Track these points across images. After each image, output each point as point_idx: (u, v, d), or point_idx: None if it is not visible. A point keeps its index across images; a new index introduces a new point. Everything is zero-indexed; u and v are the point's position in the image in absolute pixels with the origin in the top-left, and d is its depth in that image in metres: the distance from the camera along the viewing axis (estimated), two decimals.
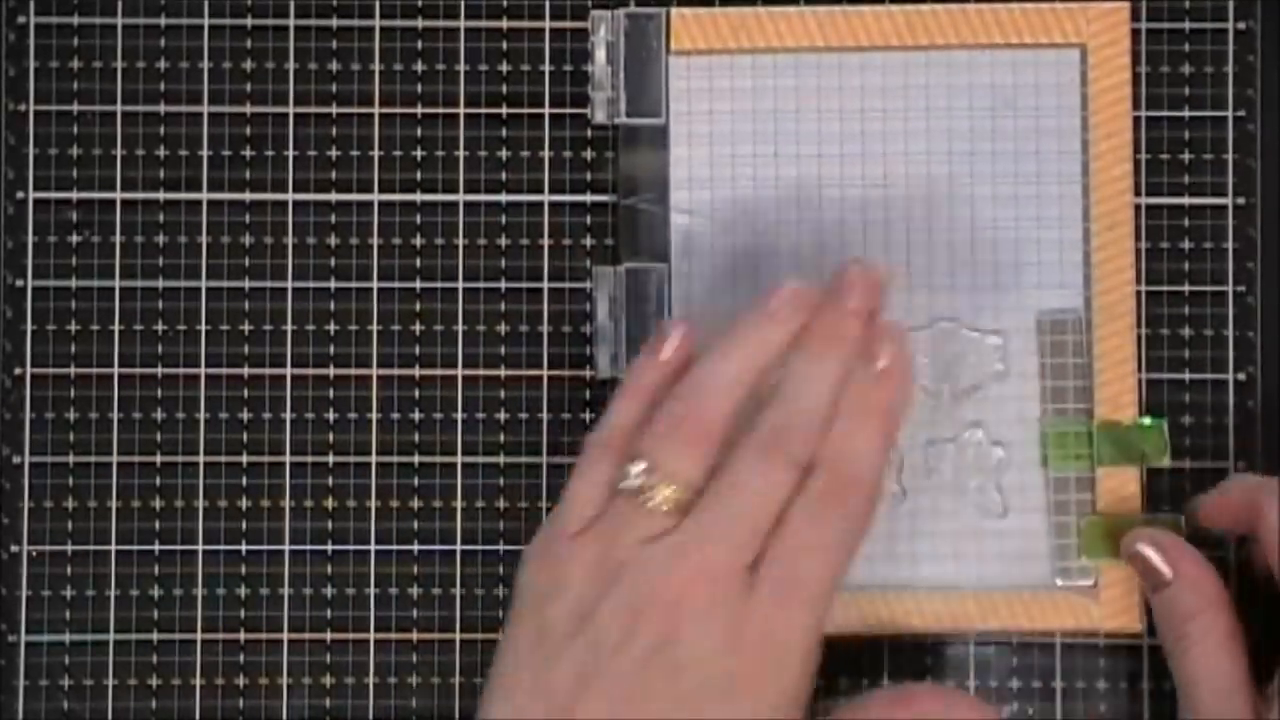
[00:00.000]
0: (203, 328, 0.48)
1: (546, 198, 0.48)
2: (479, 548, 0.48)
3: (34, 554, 0.48)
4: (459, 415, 0.48)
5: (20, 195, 0.48)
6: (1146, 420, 0.47)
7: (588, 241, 0.48)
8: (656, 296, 0.47)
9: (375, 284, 0.48)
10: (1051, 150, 0.47)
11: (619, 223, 0.48)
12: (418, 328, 0.48)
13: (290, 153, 0.48)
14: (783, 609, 0.38)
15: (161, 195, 0.48)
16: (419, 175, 0.48)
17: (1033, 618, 0.47)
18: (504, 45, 0.48)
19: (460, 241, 0.48)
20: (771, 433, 0.39)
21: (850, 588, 0.47)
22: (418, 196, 0.48)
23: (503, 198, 0.48)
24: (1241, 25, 0.48)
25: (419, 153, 0.48)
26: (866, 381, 0.40)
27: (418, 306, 0.48)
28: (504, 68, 0.48)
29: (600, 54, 0.47)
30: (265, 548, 0.48)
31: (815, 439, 0.39)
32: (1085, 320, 0.47)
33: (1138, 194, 0.48)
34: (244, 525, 0.48)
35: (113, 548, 0.48)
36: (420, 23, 0.49)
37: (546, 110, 0.48)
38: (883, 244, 0.47)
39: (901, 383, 0.40)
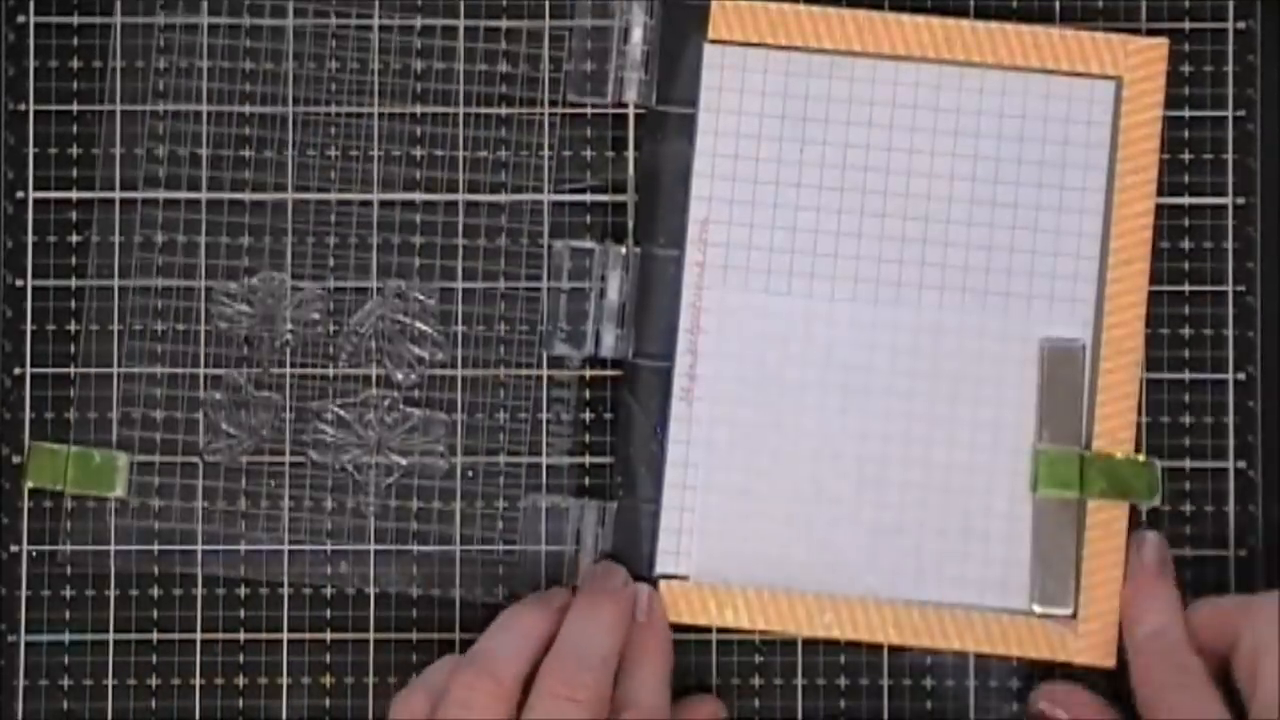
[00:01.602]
0: (202, 328, 0.48)
1: (546, 197, 0.48)
2: (478, 548, 0.48)
3: (34, 554, 0.48)
4: (459, 415, 0.48)
5: (20, 195, 0.48)
6: (1141, 458, 0.47)
7: (588, 241, 0.48)
8: (671, 283, 0.47)
9: (374, 284, 0.48)
10: (1076, 181, 0.47)
11: (638, 207, 0.48)
12: (418, 327, 0.48)
13: (290, 153, 0.48)
14: None
15: (161, 195, 0.48)
16: (419, 175, 0.48)
17: (1009, 644, 0.46)
18: (504, 45, 0.48)
19: (460, 241, 0.48)
20: (564, 684, 0.43)
21: (834, 594, 0.47)
22: (418, 196, 0.48)
23: (503, 198, 0.48)
24: (1241, 25, 0.48)
25: (419, 152, 0.48)
26: (637, 633, 0.46)
27: (417, 307, 0.48)
28: (504, 68, 0.48)
29: (636, 34, 0.47)
30: (265, 548, 0.48)
31: (603, 680, 0.44)
32: (1091, 351, 0.47)
33: None
34: (243, 525, 0.48)
35: (112, 547, 0.48)
36: (420, 22, 0.49)
37: (546, 110, 0.48)
38: (897, 257, 0.47)
39: (663, 630, 0.46)
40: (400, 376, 0.48)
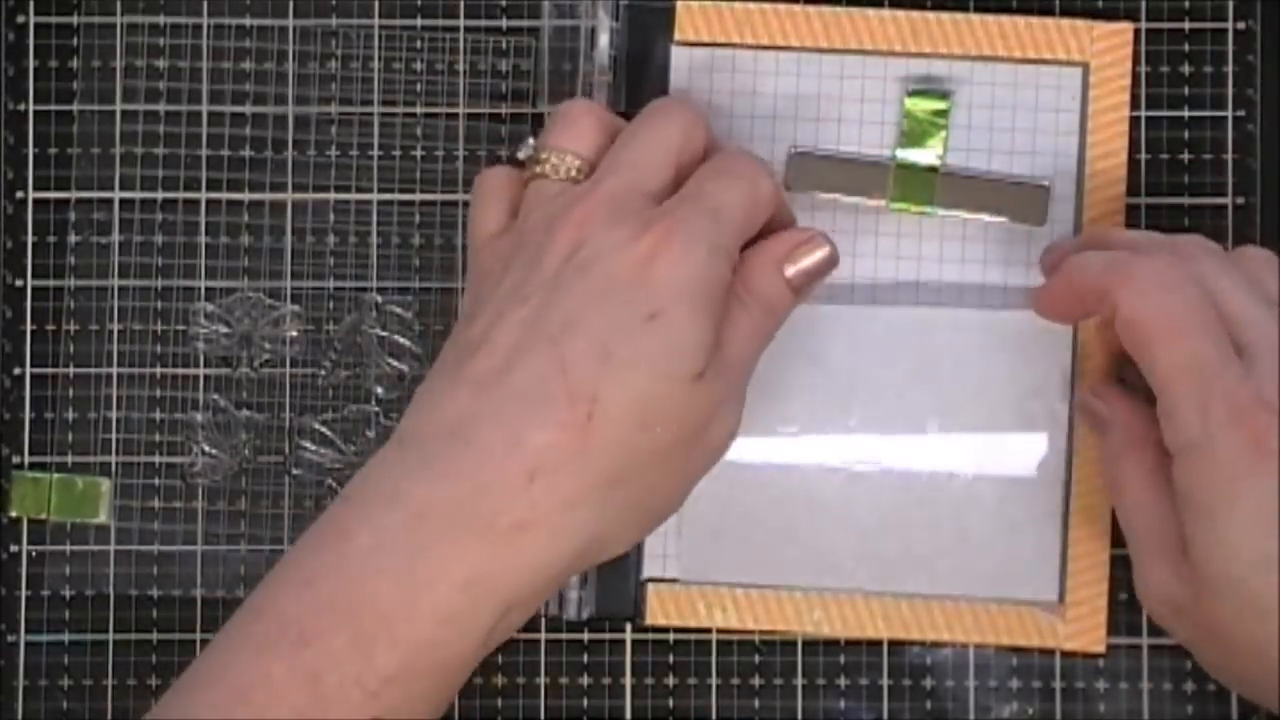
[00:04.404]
0: (202, 328, 0.48)
1: None
2: None
3: (34, 553, 0.48)
4: None
5: (20, 195, 0.48)
6: None
7: None
8: None
9: (374, 284, 0.48)
10: (1047, 169, 0.47)
11: None
12: (417, 327, 0.48)
13: (290, 153, 0.48)
14: (687, 223, 0.39)
15: (161, 195, 0.48)
16: (419, 175, 0.48)
17: (999, 634, 0.46)
18: (504, 45, 0.48)
19: (460, 241, 0.48)
20: (663, 104, 0.42)
21: (824, 591, 0.47)
22: (417, 196, 0.48)
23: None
24: (1241, 25, 0.48)
25: (419, 152, 0.48)
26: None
27: (417, 306, 0.48)
28: (504, 67, 0.48)
29: (603, 39, 0.47)
30: (266, 548, 0.48)
31: (702, 119, 0.42)
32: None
33: (1138, 194, 0.48)
34: (244, 526, 0.48)
35: (111, 547, 0.48)
36: (420, 21, 0.49)
37: (546, 110, 0.48)
38: (872, 251, 0.47)
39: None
40: (380, 391, 0.48)
